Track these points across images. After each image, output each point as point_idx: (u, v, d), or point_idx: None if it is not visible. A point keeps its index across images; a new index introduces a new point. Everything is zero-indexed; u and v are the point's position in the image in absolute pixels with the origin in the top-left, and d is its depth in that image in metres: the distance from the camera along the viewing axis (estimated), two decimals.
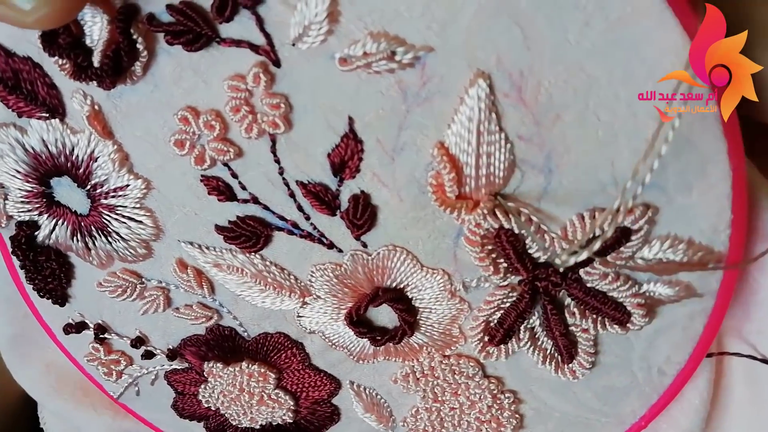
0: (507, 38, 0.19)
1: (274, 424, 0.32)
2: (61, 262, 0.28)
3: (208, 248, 0.26)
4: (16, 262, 0.29)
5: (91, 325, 0.30)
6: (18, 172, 0.25)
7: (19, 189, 0.26)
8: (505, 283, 0.24)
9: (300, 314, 0.27)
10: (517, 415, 0.28)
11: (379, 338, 0.26)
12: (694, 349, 0.25)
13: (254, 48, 0.20)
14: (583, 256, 0.21)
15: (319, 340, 0.28)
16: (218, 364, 0.30)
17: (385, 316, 0.26)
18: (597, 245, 0.21)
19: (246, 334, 0.28)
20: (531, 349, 0.26)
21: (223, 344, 0.29)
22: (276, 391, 0.30)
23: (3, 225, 0.27)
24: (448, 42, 0.19)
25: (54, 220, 0.27)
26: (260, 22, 0.20)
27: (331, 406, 0.31)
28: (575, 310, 0.24)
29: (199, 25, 0.20)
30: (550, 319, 0.24)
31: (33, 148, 0.25)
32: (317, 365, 0.29)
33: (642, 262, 0.23)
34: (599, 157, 0.21)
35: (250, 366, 0.29)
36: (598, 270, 0.23)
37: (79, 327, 0.30)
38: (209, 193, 0.24)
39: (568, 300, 0.24)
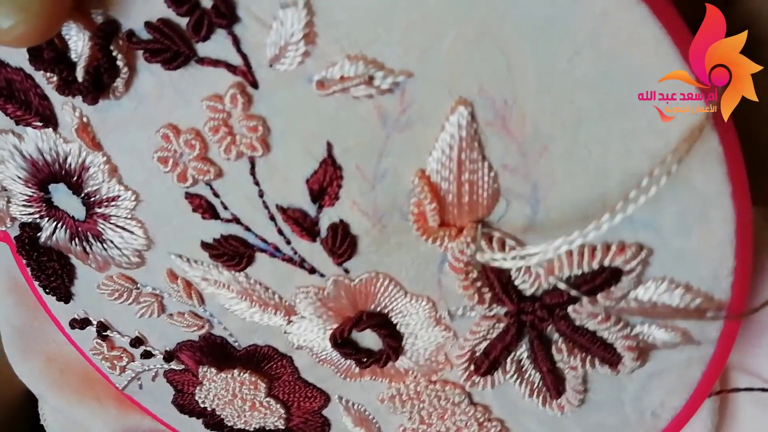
0: (490, 66, 0.18)
1: (267, 429, 0.32)
2: (63, 262, 0.29)
3: (195, 262, 0.26)
4: (24, 261, 0.29)
5: (94, 323, 0.31)
6: (19, 177, 0.26)
7: (21, 193, 0.26)
8: (492, 313, 0.23)
9: (287, 331, 0.27)
10: None
11: (365, 360, 0.26)
12: (691, 395, 0.24)
13: (231, 68, 0.20)
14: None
15: (307, 355, 0.28)
16: (212, 369, 0.30)
17: (370, 337, 0.26)
18: (534, 258, 0.20)
19: (237, 344, 0.29)
20: (518, 381, 0.25)
21: (215, 351, 0.29)
22: (267, 399, 0.30)
23: (8, 225, 0.28)
24: (429, 67, 0.18)
25: (54, 224, 0.27)
26: (236, 42, 0.19)
27: (322, 417, 0.31)
28: (563, 346, 0.23)
29: (176, 43, 0.20)
30: (536, 354, 0.23)
31: (30, 155, 0.25)
32: (306, 379, 0.29)
33: (635, 304, 0.21)
34: (589, 192, 0.19)
35: (241, 374, 0.30)
36: (586, 308, 0.22)
37: (83, 323, 0.31)
38: (193, 211, 0.24)
39: (555, 336, 0.23)
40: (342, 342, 0.25)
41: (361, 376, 0.27)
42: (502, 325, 0.23)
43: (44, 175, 0.25)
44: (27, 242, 0.28)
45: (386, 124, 0.20)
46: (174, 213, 0.24)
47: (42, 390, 0.36)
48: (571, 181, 0.19)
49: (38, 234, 0.28)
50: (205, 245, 0.25)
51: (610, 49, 0.17)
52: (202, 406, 0.33)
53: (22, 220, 0.27)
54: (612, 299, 0.21)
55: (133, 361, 0.32)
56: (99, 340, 0.32)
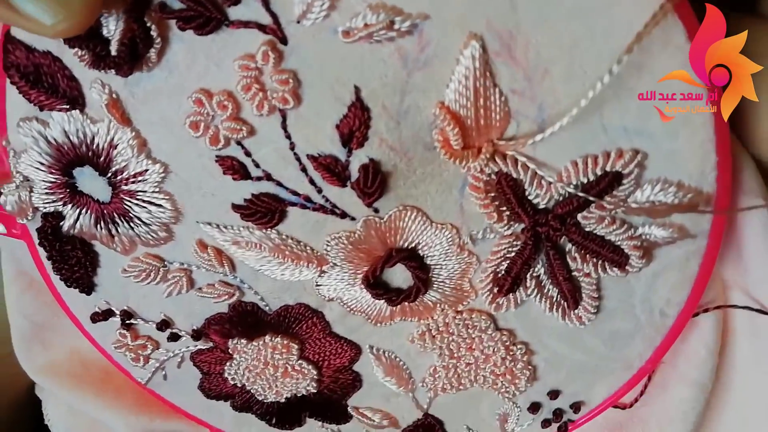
0: (495, 1, 0.21)
1: (299, 395, 0.33)
2: (86, 250, 0.29)
3: (226, 227, 0.27)
4: (43, 254, 0.30)
5: (118, 312, 0.32)
6: (42, 164, 0.27)
7: (44, 181, 0.27)
8: (509, 231, 0.26)
9: (318, 283, 0.28)
10: (530, 366, 0.30)
11: (395, 298, 0.28)
12: (692, 289, 0.27)
13: (262, 28, 0.22)
14: None
15: (338, 307, 0.29)
16: (242, 340, 0.31)
17: (399, 277, 0.28)
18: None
19: (267, 308, 0.30)
20: (538, 297, 0.27)
21: (245, 320, 0.31)
22: (299, 361, 0.32)
23: (29, 218, 0.29)
24: (442, 9, 0.21)
25: (78, 210, 0.28)
26: (266, 2, 0.21)
27: (353, 373, 0.32)
28: (576, 254, 0.26)
29: (208, 9, 0.21)
30: (553, 265, 0.26)
31: (55, 140, 0.26)
32: (337, 332, 0.30)
33: (636, 206, 0.24)
34: (588, 107, 0.22)
35: (273, 339, 0.31)
36: (594, 214, 0.24)
37: (105, 315, 0.32)
38: (224, 173, 0.25)
39: (569, 246, 0.26)
40: (374, 283, 0.27)
41: (391, 318, 0.29)
42: (519, 242, 0.26)
43: (70, 159, 0.26)
44: (50, 232, 0.29)
45: (407, 64, 0.22)
46: (204, 179, 0.26)
47: (59, 386, 0.36)
48: (571, 99, 0.22)
49: (61, 223, 0.28)
50: (236, 207, 0.26)
51: None
52: (231, 383, 0.34)
53: (45, 209, 0.28)
54: (616, 203, 0.24)
55: (158, 348, 0.33)
56: (123, 331, 0.32)
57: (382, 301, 0.28)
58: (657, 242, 0.25)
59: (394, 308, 0.29)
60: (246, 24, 0.22)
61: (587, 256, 0.26)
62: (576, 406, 0.31)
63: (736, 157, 0.25)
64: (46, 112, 0.25)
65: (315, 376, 0.32)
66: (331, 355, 0.31)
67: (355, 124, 0.23)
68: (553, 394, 0.31)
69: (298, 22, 0.22)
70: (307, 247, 0.27)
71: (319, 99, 0.23)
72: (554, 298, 0.27)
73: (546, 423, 0.32)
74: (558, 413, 0.32)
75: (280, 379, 0.33)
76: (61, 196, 0.28)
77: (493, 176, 0.24)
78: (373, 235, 0.26)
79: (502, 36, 0.21)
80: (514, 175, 0.24)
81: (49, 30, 0.20)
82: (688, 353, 0.30)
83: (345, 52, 0.22)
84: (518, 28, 0.21)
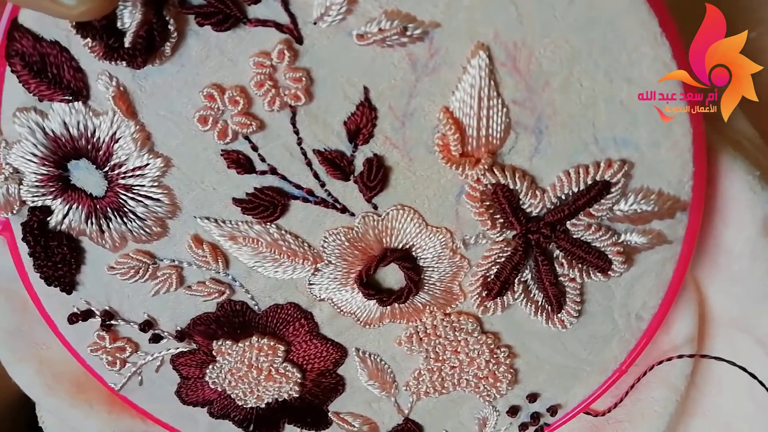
0: (503, 14, 0.22)
1: (280, 400, 0.33)
2: (73, 246, 0.29)
3: (224, 222, 0.27)
4: (25, 250, 0.29)
5: (98, 312, 0.31)
6: (35, 155, 0.26)
7: (35, 173, 0.27)
8: (501, 238, 0.27)
9: (311, 282, 0.29)
10: (512, 370, 0.31)
11: (386, 298, 0.28)
12: (666, 293, 0.29)
13: (279, 27, 0.23)
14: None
15: (328, 307, 0.30)
16: (227, 342, 0.31)
17: (391, 278, 0.29)
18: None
19: (257, 307, 0.30)
20: (524, 301, 0.28)
21: (233, 320, 0.30)
22: (284, 364, 0.32)
23: (15, 211, 0.28)
24: (453, 18, 0.22)
25: (68, 204, 0.27)
26: (285, 3, 0.22)
27: (337, 377, 0.32)
28: (563, 260, 0.27)
29: (229, 6, 0.22)
30: (541, 270, 0.27)
31: (53, 131, 0.26)
32: (325, 334, 0.31)
33: (620, 214, 0.26)
34: (582, 119, 0.24)
35: (259, 340, 0.31)
36: (583, 221, 0.26)
37: (84, 315, 0.31)
38: (228, 167, 0.26)
39: (556, 252, 0.27)
40: (367, 282, 0.28)
41: (381, 320, 0.30)
42: (510, 247, 0.27)
43: (66, 151, 0.26)
44: (36, 227, 0.28)
45: (416, 69, 0.23)
46: (207, 173, 0.26)
47: (36, 393, 0.34)
48: (567, 110, 0.24)
49: (48, 218, 0.28)
50: (237, 201, 0.26)
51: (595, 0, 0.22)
52: (211, 387, 0.33)
53: (33, 203, 0.28)
54: (603, 210, 0.26)
55: (137, 351, 0.32)
56: (101, 333, 0.31)
57: (373, 302, 0.29)
58: (637, 248, 0.27)
59: (384, 310, 0.29)
60: (264, 22, 0.23)
61: (574, 261, 0.27)
62: (553, 409, 0.32)
63: (720, 163, 0.27)
64: (46, 103, 0.25)
65: (299, 380, 0.32)
66: (316, 357, 0.31)
67: (362, 122, 0.24)
68: (532, 397, 0.32)
69: (315, 23, 0.23)
70: (305, 243, 0.28)
71: (330, 97, 0.24)
72: (539, 303, 0.29)
73: (524, 426, 0.33)
74: (535, 416, 0.33)
75: (262, 383, 0.33)
76: (52, 189, 0.27)
77: (490, 186, 0.25)
78: (370, 233, 0.27)
79: (507, 47, 0.23)
80: (511, 186, 0.25)
81: (73, 10, 0.20)
82: (661, 356, 0.32)
83: (358, 54, 0.23)
84: (523, 40, 0.22)
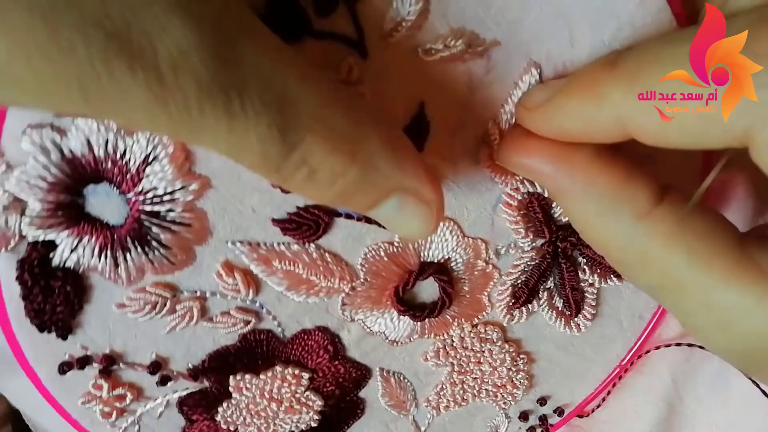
0: (558, 37, 0.24)
1: (299, 430, 0.32)
2: (78, 284, 0.25)
3: (260, 245, 0.26)
4: (16, 293, 0.25)
5: (97, 358, 0.27)
6: (44, 180, 0.23)
7: (41, 201, 0.23)
8: (531, 246, 0.28)
9: (344, 302, 0.28)
10: (528, 376, 0.32)
11: (419, 314, 0.28)
12: None
13: (346, 40, 0.22)
14: None
15: (357, 329, 0.29)
16: (246, 376, 0.29)
17: (423, 293, 0.29)
18: None
19: (283, 335, 0.28)
20: (546, 308, 0.30)
21: (255, 351, 0.29)
22: (306, 393, 0.30)
23: (10, 248, 0.24)
24: (512, 37, 0.24)
25: (78, 237, 0.24)
26: (354, 17, 0.22)
27: (357, 399, 0.31)
28: (586, 267, 0.29)
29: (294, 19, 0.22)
30: (565, 277, 0.29)
31: (72, 152, 0.23)
32: (352, 356, 0.30)
33: None
34: None
35: (284, 370, 0.29)
36: None
37: (80, 362, 0.27)
38: (273, 186, 0.24)
39: (579, 259, 0.29)
40: (401, 298, 0.28)
41: (409, 337, 0.30)
42: (538, 256, 0.28)
43: (84, 175, 0.23)
44: (36, 264, 0.24)
45: (472, 83, 0.24)
46: (247, 194, 0.24)
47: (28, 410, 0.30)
48: None
49: (51, 253, 0.24)
50: (277, 221, 0.25)
51: (642, 28, 0.24)
52: (223, 427, 0.31)
53: (34, 238, 0.24)
54: None
55: (139, 398, 0.29)
56: (100, 381, 0.28)
57: (404, 319, 0.29)
58: None
59: (414, 326, 0.29)
60: (330, 35, 0.22)
61: (595, 267, 0.29)
62: (560, 410, 0.34)
63: None
64: (66, 120, 0.22)
65: (319, 408, 0.31)
66: (339, 381, 0.30)
67: (415, 133, 0.24)
68: (543, 400, 0.34)
69: (383, 38, 0.23)
70: (342, 262, 0.27)
71: (387, 109, 0.24)
72: (559, 308, 0.30)
73: (531, 430, 0.34)
74: (543, 419, 0.34)
75: (280, 416, 0.31)
76: (61, 220, 0.24)
77: (526, 195, 0.27)
78: (410, 246, 0.27)
79: (557, 67, 0.24)
80: (545, 195, 0.27)
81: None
82: (647, 354, 0.35)
83: (420, 69, 0.23)
84: (572, 60, 0.24)
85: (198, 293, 0.27)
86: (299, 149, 0.18)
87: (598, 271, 0.29)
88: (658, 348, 0.34)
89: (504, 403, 0.33)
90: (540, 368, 0.32)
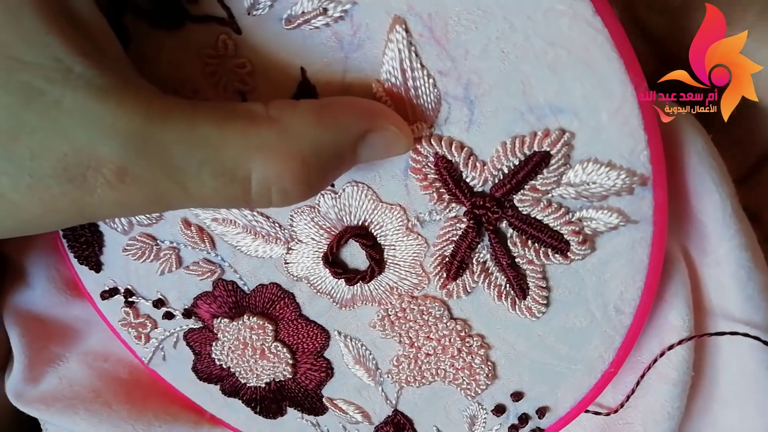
0: None
1: (278, 382, 0.35)
2: (93, 230, 0.33)
3: None
4: (60, 233, 0.34)
5: (122, 290, 0.35)
6: None
7: None
8: (452, 214, 0.26)
9: (287, 260, 0.30)
10: (489, 362, 0.30)
11: (352, 277, 0.29)
12: (645, 282, 0.26)
13: (219, 20, 0.25)
14: None
15: (307, 288, 0.31)
16: (224, 320, 0.34)
17: (358, 259, 0.29)
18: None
19: (246, 287, 0.32)
20: (486, 284, 0.27)
21: (227, 299, 0.33)
22: (275, 343, 0.33)
23: None
24: None
25: None
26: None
27: (325, 360, 0.33)
28: (516, 240, 0.26)
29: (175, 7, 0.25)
30: (495, 249, 0.26)
31: None
32: (307, 315, 0.32)
33: (571, 189, 0.24)
34: (509, 86, 0.23)
35: (250, 318, 0.33)
36: (528, 196, 0.25)
37: (112, 292, 0.35)
38: None
39: (510, 231, 0.26)
40: (333, 261, 0.29)
41: (353, 302, 0.30)
42: (462, 225, 0.27)
43: None
44: None
45: (343, 47, 0.25)
46: None
47: (49, 414, 0.37)
48: (492, 78, 0.23)
49: None
50: None
51: None
52: (218, 364, 0.36)
53: None
54: (549, 184, 0.24)
55: (156, 327, 0.36)
56: (126, 308, 0.36)
57: (343, 282, 0.30)
58: (599, 229, 0.25)
59: (355, 291, 0.30)
60: (206, 18, 0.25)
61: (528, 241, 0.26)
62: (541, 411, 0.30)
63: (681, 136, 0.25)
64: None
65: (290, 360, 0.34)
66: (303, 338, 0.33)
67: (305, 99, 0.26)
68: (516, 396, 0.30)
69: (248, 13, 0.25)
70: (276, 224, 0.29)
71: (272, 81, 0.26)
72: (502, 287, 0.27)
73: (513, 429, 0.31)
74: (523, 418, 0.31)
75: (259, 362, 0.35)
76: None
77: (431, 157, 0.26)
78: (331, 211, 0.28)
79: (422, 18, 0.23)
80: (449, 157, 0.25)
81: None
82: (668, 352, 0.29)
83: (289, 38, 0.25)
84: (436, 9, 0.23)
85: (174, 243, 0.32)
86: (254, 182, 0.21)
87: (534, 245, 0.26)
88: (663, 354, 0.28)
89: (467, 388, 0.31)
90: (502, 356, 0.29)
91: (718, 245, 0.26)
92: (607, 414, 0.31)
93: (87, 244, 0.34)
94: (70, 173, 0.20)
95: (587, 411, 0.31)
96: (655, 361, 0.29)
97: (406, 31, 0.23)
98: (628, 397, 0.30)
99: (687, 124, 0.25)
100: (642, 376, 0.30)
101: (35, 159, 0.19)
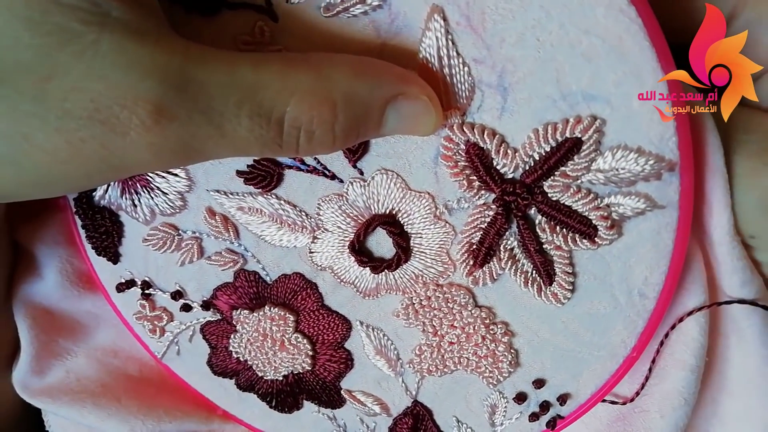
0: None
1: (296, 374, 0.35)
2: (113, 220, 0.33)
3: (232, 193, 0.30)
4: (78, 222, 0.34)
5: (138, 282, 0.35)
6: None
7: None
8: (481, 201, 0.27)
9: (312, 250, 0.31)
10: (512, 350, 0.30)
11: (378, 265, 0.29)
12: (669, 267, 0.27)
13: (256, 7, 0.26)
14: None
15: (330, 277, 0.31)
16: (244, 311, 0.34)
17: (384, 247, 0.30)
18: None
19: (268, 277, 0.32)
20: (513, 271, 0.28)
21: (248, 290, 0.33)
22: (295, 335, 0.33)
23: None
24: None
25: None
26: None
27: (345, 352, 0.33)
28: (545, 226, 0.27)
29: None
30: (523, 235, 0.27)
31: None
32: (329, 305, 0.32)
33: (600, 175, 0.25)
34: (544, 74, 0.24)
35: (271, 309, 0.33)
36: (559, 182, 0.26)
37: (128, 284, 0.35)
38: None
39: (539, 217, 0.27)
40: (359, 249, 0.29)
41: (377, 291, 0.31)
42: (491, 212, 0.27)
43: None
44: (84, 201, 0.33)
45: (380, 34, 0.25)
46: None
47: (56, 406, 0.37)
48: (527, 66, 0.24)
49: (93, 193, 0.33)
50: (239, 172, 0.29)
51: None
52: (235, 357, 0.36)
53: None
54: (579, 170, 0.25)
55: (172, 320, 0.36)
56: (142, 301, 0.36)
57: (368, 271, 0.30)
58: (626, 214, 0.26)
59: (380, 280, 0.30)
60: (242, 5, 0.26)
61: (556, 227, 0.27)
62: (562, 398, 0.31)
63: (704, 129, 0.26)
64: None
65: (309, 352, 0.34)
66: (324, 329, 0.33)
67: None
68: (538, 383, 0.31)
69: (287, 1, 0.25)
70: (302, 213, 0.30)
71: None
72: (529, 273, 0.28)
73: (534, 416, 0.32)
74: (545, 405, 0.31)
75: (278, 354, 0.34)
76: None
77: (463, 145, 0.26)
78: (359, 199, 0.29)
79: (460, 6, 0.24)
80: (481, 144, 0.26)
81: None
82: (685, 338, 0.29)
83: (327, 26, 0.25)
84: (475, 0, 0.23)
85: (196, 233, 0.32)
86: (286, 123, 0.22)
87: (562, 231, 0.27)
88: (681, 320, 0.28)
89: (490, 376, 0.31)
90: (526, 343, 0.30)
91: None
92: (623, 403, 0.32)
93: (107, 234, 0.34)
94: (102, 114, 0.19)
95: (604, 401, 0.31)
96: (666, 335, 0.30)
97: (444, 19, 0.24)
98: (643, 385, 0.31)
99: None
100: (653, 361, 0.30)
101: (68, 100, 0.19)
